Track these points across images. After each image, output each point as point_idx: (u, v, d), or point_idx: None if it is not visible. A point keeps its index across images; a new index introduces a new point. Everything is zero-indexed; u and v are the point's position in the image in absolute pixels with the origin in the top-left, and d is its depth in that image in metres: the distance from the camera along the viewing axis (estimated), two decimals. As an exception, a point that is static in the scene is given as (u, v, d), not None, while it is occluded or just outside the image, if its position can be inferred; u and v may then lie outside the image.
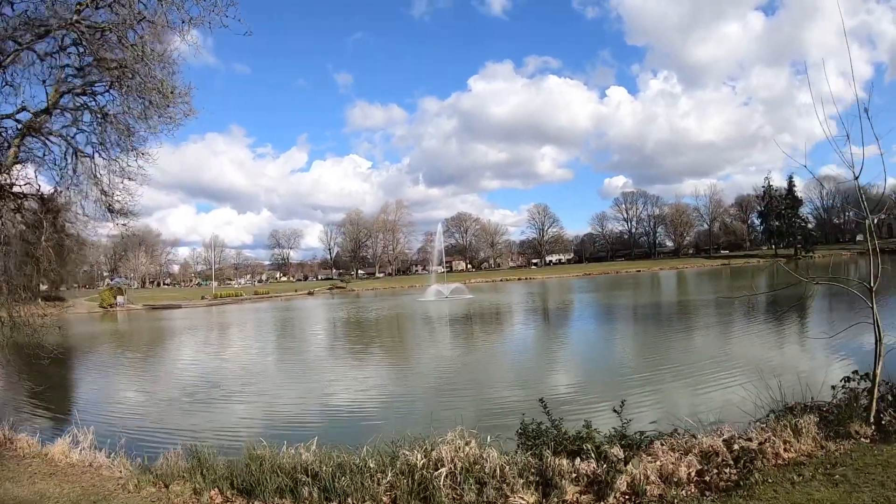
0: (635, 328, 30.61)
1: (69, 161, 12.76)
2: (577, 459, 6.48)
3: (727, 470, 6.48)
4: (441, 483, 6.26)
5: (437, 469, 6.43)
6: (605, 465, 6.31)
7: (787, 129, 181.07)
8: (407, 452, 6.81)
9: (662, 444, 7.14)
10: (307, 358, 26.70)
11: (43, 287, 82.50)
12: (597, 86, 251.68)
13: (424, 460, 6.59)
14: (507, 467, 6.43)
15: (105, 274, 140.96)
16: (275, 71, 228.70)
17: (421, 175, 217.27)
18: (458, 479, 6.34)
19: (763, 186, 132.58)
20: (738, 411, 9.86)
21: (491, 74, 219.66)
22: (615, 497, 6.02)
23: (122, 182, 13.35)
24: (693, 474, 6.52)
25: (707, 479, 6.45)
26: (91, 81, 11.87)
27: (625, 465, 6.27)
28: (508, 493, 6.07)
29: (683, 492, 6.16)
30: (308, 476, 6.69)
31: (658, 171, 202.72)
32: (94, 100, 12.16)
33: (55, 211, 13.70)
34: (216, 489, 7.18)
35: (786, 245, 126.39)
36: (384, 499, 6.35)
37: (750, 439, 7.02)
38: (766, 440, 7.03)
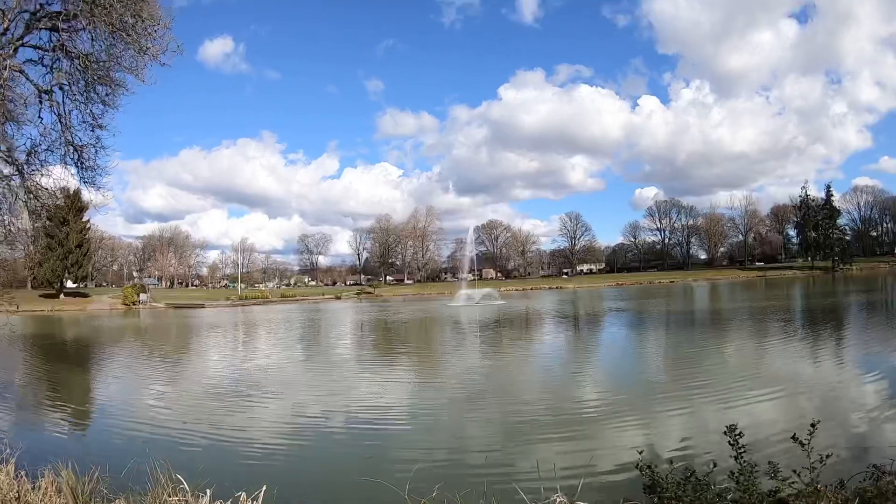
0: (701, 336, 26.42)
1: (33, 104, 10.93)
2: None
3: None
4: None
5: None
6: None
7: (822, 140, 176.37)
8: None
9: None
10: (317, 363, 23.16)
11: (72, 284, 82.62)
12: (628, 95, 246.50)
13: None
14: None
15: (135, 273, 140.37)
16: (305, 77, 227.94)
17: (451, 183, 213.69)
18: None
19: (800, 196, 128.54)
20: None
21: (522, 83, 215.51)
22: None
23: (93, 132, 11.53)
24: None
25: None
26: (61, 14, 10.08)
27: None
28: None
29: None
30: None
31: (690, 182, 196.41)
32: (66, 36, 10.43)
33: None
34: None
35: (822, 257, 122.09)
36: None
37: None
38: None
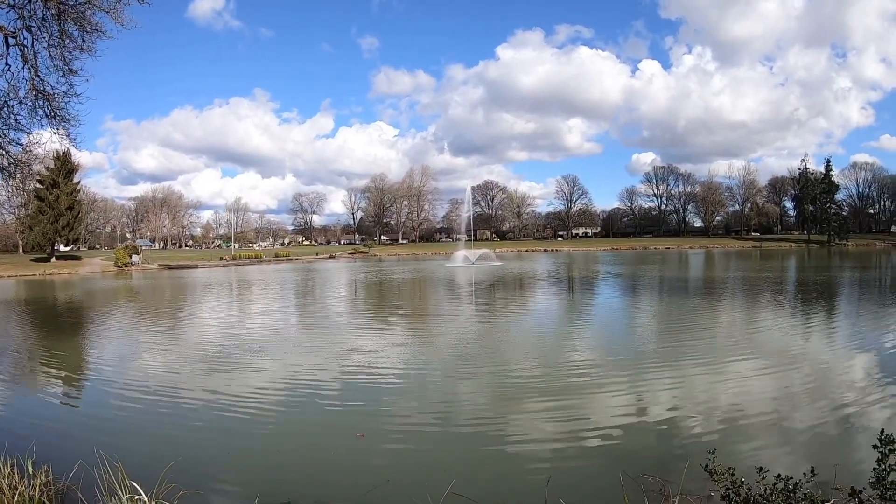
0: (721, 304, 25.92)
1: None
2: None
3: None
4: None
5: None
6: None
7: (824, 114, 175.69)
8: None
9: None
10: (305, 323, 22.56)
11: (64, 247, 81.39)
12: (629, 59, 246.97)
13: None
14: None
15: (128, 235, 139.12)
16: (298, 34, 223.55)
17: (447, 144, 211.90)
18: None
19: (799, 169, 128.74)
20: None
21: (520, 43, 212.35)
22: None
23: (64, 77, 10.41)
24: None
25: None
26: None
27: None
28: None
29: None
30: None
31: (688, 149, 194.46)
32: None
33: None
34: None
35: (818, 231, 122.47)
36: None
37: None
38: None
